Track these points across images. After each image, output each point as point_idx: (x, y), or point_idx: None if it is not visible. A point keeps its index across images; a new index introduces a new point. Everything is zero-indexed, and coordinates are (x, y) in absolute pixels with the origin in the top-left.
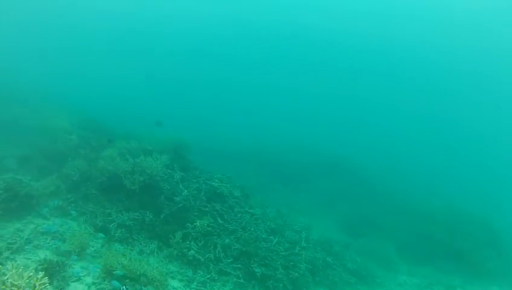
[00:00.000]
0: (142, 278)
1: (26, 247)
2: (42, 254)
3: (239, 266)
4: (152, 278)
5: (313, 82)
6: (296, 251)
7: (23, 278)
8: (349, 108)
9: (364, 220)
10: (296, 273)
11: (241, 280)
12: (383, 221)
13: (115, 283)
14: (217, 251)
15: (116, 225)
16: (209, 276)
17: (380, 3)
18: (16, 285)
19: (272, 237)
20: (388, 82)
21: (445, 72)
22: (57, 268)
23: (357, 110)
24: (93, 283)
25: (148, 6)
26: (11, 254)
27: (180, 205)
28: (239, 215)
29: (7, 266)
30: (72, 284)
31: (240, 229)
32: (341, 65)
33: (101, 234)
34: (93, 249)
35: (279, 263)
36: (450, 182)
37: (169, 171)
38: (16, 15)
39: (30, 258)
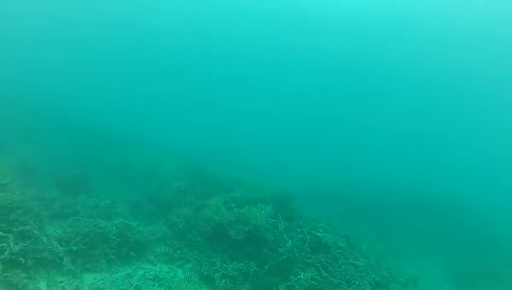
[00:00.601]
0: None
1: None
2: None
3: None
4: None
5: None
6: None
7: None
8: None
9: (477, 270)
10: None
11: None
12: (498, 271)
13: None
14: None
15: (220, 275)
16: None
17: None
18: None
19: None
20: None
21: None
22: None
23: (460, 145)
24: None
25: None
26: None
27: (284, 257)
28: (343, 267)
29: None
30: None
31: (344, 283)
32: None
33: (205, 284)
34: None
35: None
36: None
37: (273, 220)
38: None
39: None
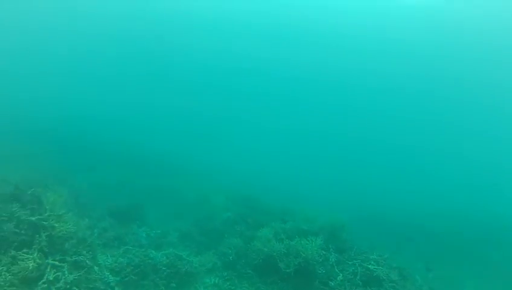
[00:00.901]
0: None
1: None
2: None
3: None
4: None
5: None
6: None
7: None
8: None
9: None
10: None
11: None
12: None
13: None
14: None
15: None
16: None
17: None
18: None
19: None
20: None
21: None
22: None
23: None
24: None
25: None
26: None
27: None
28: None
29: None
30: None
31: None
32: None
33: None
34: None
35: None
36: None
37: (324, 252)
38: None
39: None
